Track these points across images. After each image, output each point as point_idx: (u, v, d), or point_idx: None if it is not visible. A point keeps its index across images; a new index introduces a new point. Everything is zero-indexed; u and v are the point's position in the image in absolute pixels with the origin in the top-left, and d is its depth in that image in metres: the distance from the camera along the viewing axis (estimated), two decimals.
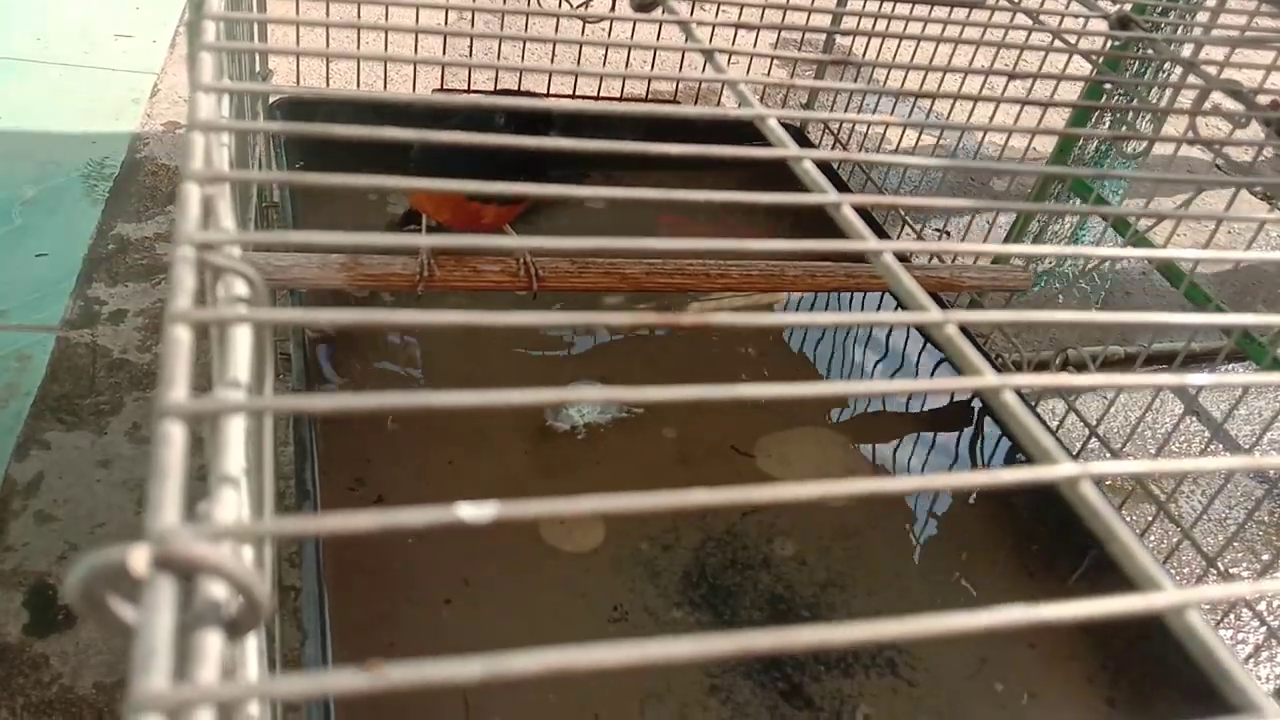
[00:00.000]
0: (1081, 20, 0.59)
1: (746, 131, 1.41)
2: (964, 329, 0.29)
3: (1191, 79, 0.54)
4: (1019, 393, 0.27)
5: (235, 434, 0.22)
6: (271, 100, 1.17)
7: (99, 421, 1.16)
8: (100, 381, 1.22)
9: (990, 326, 1.13)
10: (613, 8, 1.18)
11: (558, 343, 1.05)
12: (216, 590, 0.18)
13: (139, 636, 0.17)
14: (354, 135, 0.32)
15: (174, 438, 0.20)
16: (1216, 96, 0.54)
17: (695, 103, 1.45)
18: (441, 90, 0.92)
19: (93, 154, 1.64)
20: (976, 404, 1.04)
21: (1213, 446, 1.34)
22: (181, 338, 0.22)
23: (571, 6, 1.10)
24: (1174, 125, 1.48)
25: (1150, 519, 1.04)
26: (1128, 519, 1.07)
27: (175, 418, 0.20)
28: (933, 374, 1.08)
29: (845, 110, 1.03)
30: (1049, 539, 0.91)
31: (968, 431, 1.03)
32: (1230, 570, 1.15)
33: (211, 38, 0.37)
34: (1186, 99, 0.57)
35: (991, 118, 1.04)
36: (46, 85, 1.81)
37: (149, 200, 1.55)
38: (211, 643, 0.18)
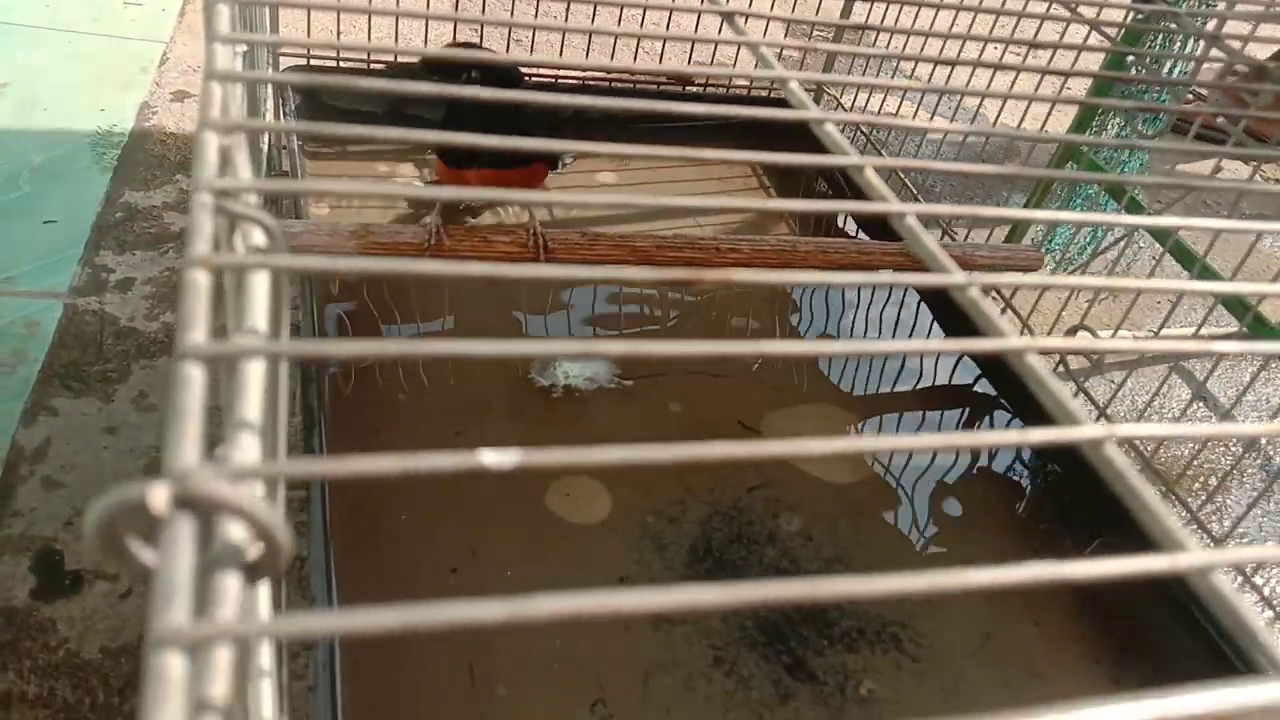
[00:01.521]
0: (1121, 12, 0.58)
1: (758, 101, 1.40)
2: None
3: (1214, 53, 0.53)
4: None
5: (254, 378, 0.21)
6: (284, 66, 1.16)
7: (106, 389, 1.16)
8: (108, 349, 1.22)
9: (1001, 306, 1.12)
10: None
11: (563, 321, 1.05)
12: (236, 532, 0.18)
13: (159, 575, 0.17)
14: (363, 87, 0.31)
15: (193, 379, 0.20)
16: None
17: (706, 84, 1.44)
18: (457, 44, 0.92)
19: (101, 122, 1.63)
20: (985, 387, 1.04)
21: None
22: (200, 281, 0.22)
23: None
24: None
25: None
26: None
27: (195, 359, 0.20)
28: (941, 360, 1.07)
29: (860, 79, 1.02)
30: (1057, 521, 0.91)
31: (979, 411, 1.02)
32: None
33: None
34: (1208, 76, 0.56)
35: (1010, 89, 1.03)
36: (55, 53, 1.80)
37: (157, 169, 1.55)
38: (231, 584, 0.18)
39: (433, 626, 0.16)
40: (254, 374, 0.21)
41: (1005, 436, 0.23)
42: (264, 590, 0.28)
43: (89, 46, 1.84)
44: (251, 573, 0.19)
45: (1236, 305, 0.99)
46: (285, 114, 1.09)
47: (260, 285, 0.24)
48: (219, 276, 0.22)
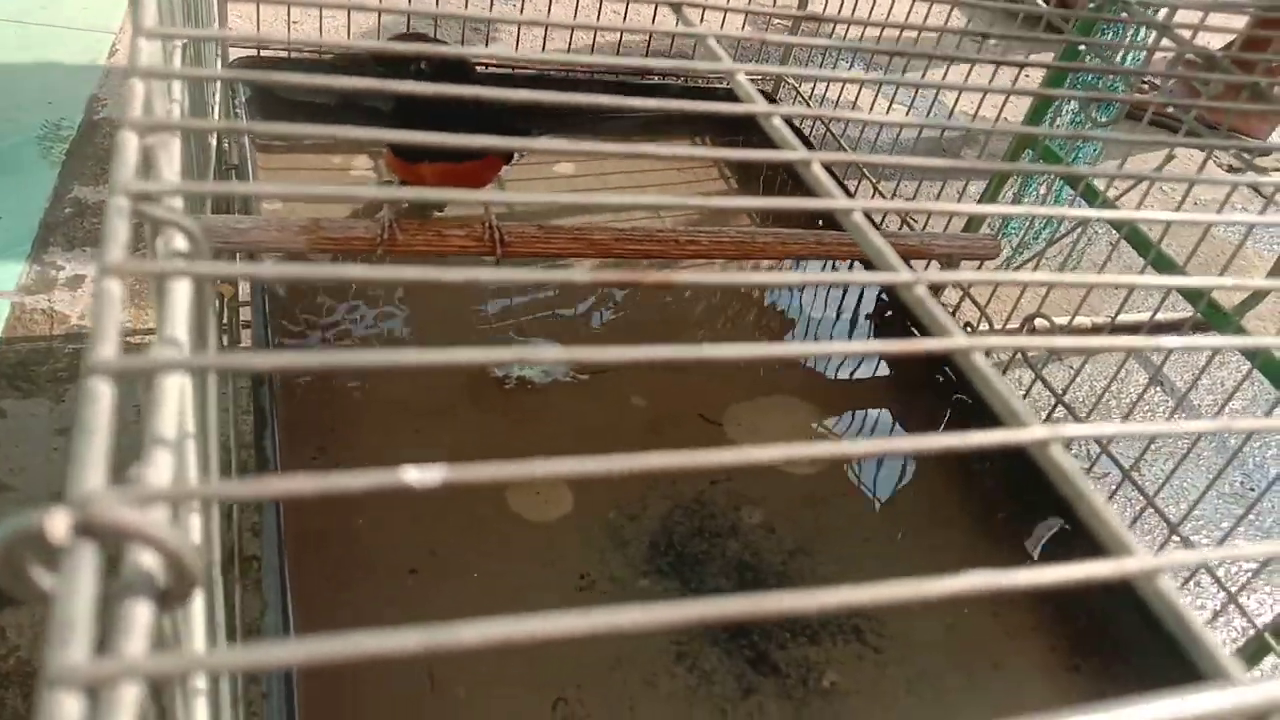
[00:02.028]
0: None
1: (718, 93, 1.39)
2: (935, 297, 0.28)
3: (1165, 43, 0.53)
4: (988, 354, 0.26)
5: (171, 393, 0.20)
6: (234, 59, 1.14)
7: (56, 389, 1.14)
8: (57, 348, 1.19)
9: (959, 295, 1.13)
10: None
11: (518, 309, 1.03)
12: (145, 558, 0.17)
13: (56, 607, 0.16)
14: (306, 83, 0.30)
15: (101, 395, 0.19)
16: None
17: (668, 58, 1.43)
18: (407, 35, 0.90)
19: (49, 115, 1.59)
20: (946, 372, 1.04)
21: (1177, 416, 1.35)
22: (113, 291, 0.21)
23: None
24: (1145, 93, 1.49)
25: (1115, 486, 1.04)
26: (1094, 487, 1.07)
27: (103, 375, 0.19)
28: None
29: (818, 71, 1.02)
30: (1014, 507, 0.91)
31: (937, 400, 1.02)
32: (1191, 537, 1.16)
33: None
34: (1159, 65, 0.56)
35: (965, 80, 1.03)
36: (0, 43, 1.76)
37: (107, 163, 1.51)
38: (140, 613, 0.17)
39: (349, 659, 0.15)
40: (171, 389, 0.20)
41: (949, 440, 0.22)
42: (197, 608, 0.27)
43: (36, 36, 1.80)
44: (164, 600, 0.18)
45: (1191, 292, 1.00)
46: (235, 106, 1.06)
47: (181, 294, 0.23)
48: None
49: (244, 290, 0.92)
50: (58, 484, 1.03)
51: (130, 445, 0.21)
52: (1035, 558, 0.89)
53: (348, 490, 0.17)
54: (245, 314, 0.93)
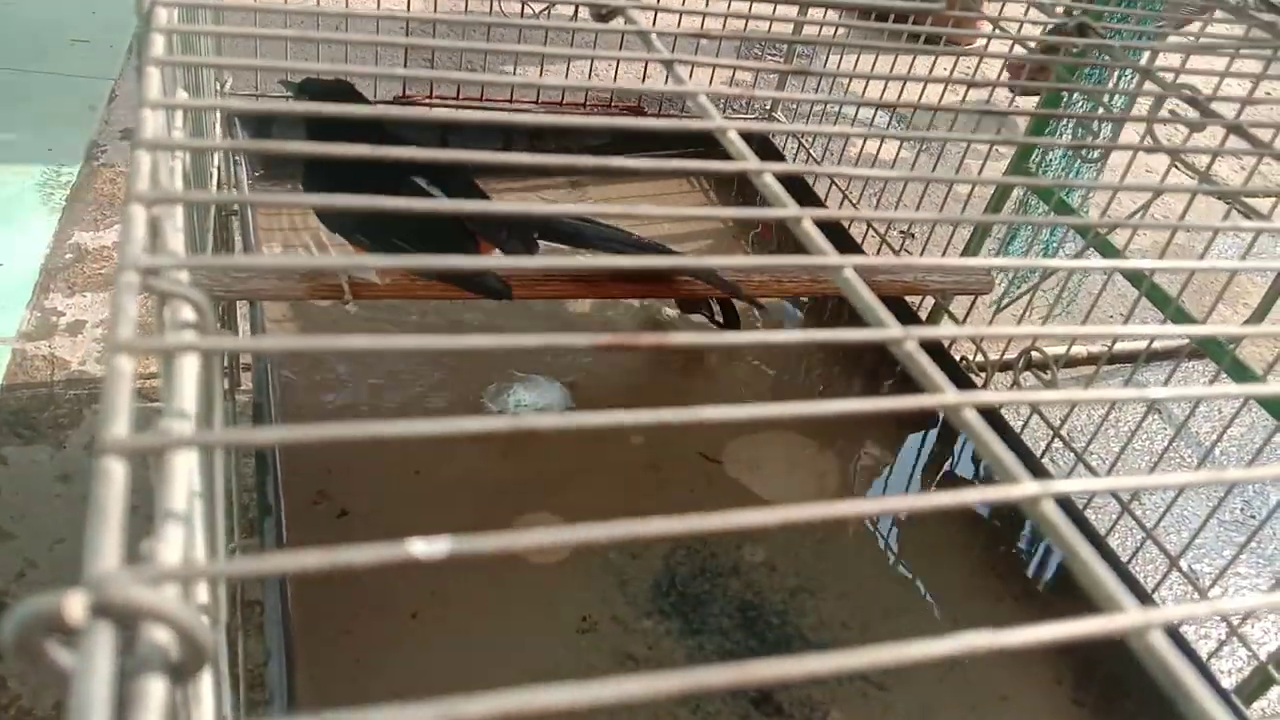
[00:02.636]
0: (1040, 27, 0.59)
1: (712, 140, 1.40)
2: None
3: (1148, 85, 0.54)
4: (979, 410, 0.27)
5: (181, 469, 0.21)
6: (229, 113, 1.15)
7: (58, 435, 1.14)
8: (59, 394, 1.19)
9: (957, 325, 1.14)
10: (574, 17, 1.18)
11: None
12: (159, 635, 0.18)
13: (75, 687, 0.16)
14: (300, 151, 0.31)
15: (114, 475, 0.19)
16: (1172, 103, 0.55)
17: (660, 110, 1.44)
18: (402, 99, 0.91)
19: (49, 162, 1.61)
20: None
21: (1175, 445, 1.36)
22: (124, 368, 0.22)
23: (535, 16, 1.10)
24: (1133, 131, 1.50)
25: (1115, 518, 1.05)
26: (1093, 518, 1.07)
27: (116, 454, 0.20)
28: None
29: (808, 119, 1.03)
30: (1016, 541, 0.92)
31: (937, 438, 1.03)
32: (1193, 567, 1.16)
33: (160, 51, 0.37)
34: (1144, 106, 0.57)
35: (952, 126, 1.05)
36: (0, 92, 1.78)
37: (107, 208, 1.53)
38: (154, 689, 0.17)
39: None
40: (181, 465, 0.21)
41: (940, 499, 0.23)
42: (203, 677, 0.27)
43: (35, 84, 1.82)
44: (177, 674, 0.18)
45: (1185, 319, 1.01)
46: (235, 158, 1.08)
47: (189, 368, 0.24)
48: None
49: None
50: (60, 530, 1.03)
51: (139, 505, 0.21)
52: (1040, 589, 0.89)
53: (354, 564, 0.18)
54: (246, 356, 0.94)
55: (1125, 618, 0.21)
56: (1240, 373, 0.90)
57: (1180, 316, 0.98)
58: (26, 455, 1.11)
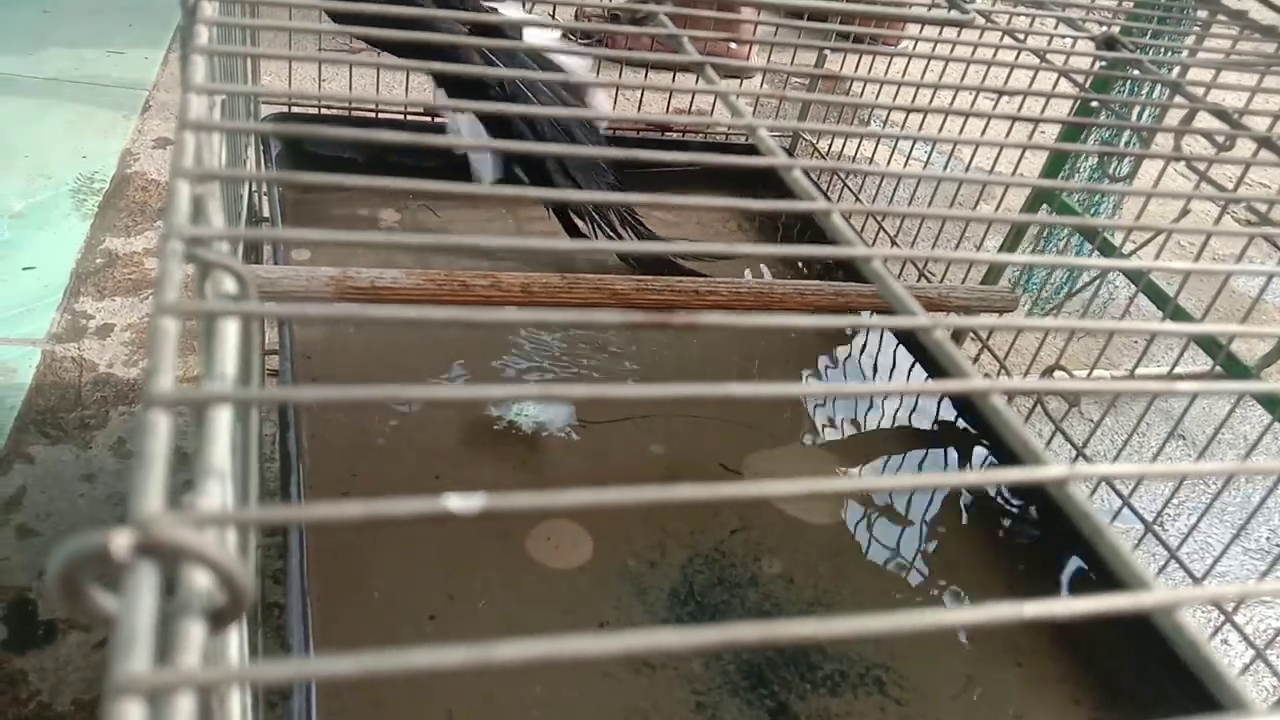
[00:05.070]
0: (1070, 41, 0.59)
1: (737, 149, 1.42)
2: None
3: (1178, 99, 0.54)
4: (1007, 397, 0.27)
5: (222, 425, 0.21)
6: (265, 114, 1.17)
7: (84, 435, 1.16)
8: (86, 395, 1.21)
9: (978, 347, 1.13)
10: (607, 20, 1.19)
11: (543, 357, 1.05)
12: (199, 579, 0.18)
13: (120, 622, 0.17)
14: (345, 136, 0.32)
15: (160, 426, 0.20)
16: (1202, 118, 0.55)
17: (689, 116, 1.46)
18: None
19: (82, 169, 1.64)
20: (964, 424, 1.04)
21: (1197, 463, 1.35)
22: (169, 329, 0.22)
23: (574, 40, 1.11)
24: (1161, 145, 1.50)
25: (1137, 540, 1.04)
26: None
27: (162, 406, 0.20)
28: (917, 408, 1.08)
29: (835, 127, 1.04)
30: (1037, 562, 0.91)
31: (956, 452, 1.02)
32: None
33: (205, 41, 0.38)
34: (1173, 120, 0.57)
35: (982, 134, 1.05)
36: (37, 100, 1.81)
37: (138, 215, 1.55)
38: (194, 631, 0.18)
39: (397, 672, 0.16)
40: (222, 421, 0.21)
41: (969, 477, 0.23)
42: (233, 637, 0.27)
43: (71, 93, 1.85)
44: (216, 620, 0.19)
45: (1210, 344, 1.00)
46: (267, 161, 1.09)
47: (230, 332, 0.24)
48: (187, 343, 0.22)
49: (270, 337, 0.94)
50: (84, 529, 1.04)
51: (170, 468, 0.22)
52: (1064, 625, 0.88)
53: (396, 515, 0.18)
54: (272, 361, 0.95)
55: (1152, 596, 0.21)
56: (1271, 402, 0.90)
57: (1207, 343, 0.98)
58: (53, 454, 1.12)
